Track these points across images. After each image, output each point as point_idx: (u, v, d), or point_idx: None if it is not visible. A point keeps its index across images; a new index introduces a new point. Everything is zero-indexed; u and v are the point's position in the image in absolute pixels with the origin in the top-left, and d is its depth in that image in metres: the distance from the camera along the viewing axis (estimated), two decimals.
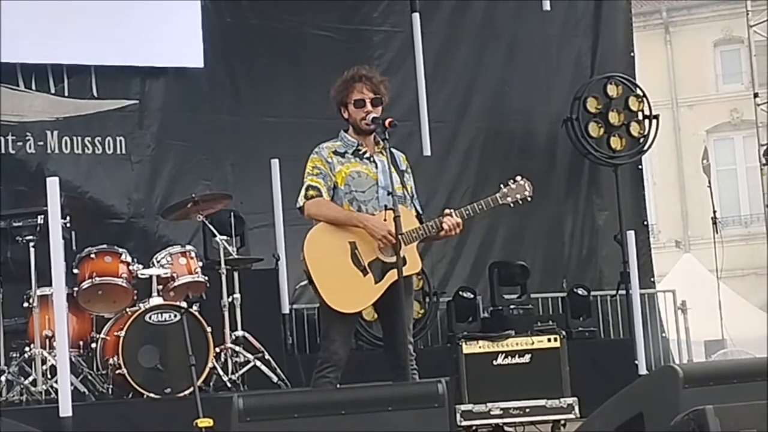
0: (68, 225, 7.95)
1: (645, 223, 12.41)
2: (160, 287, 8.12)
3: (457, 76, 11.70)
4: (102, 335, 7.98)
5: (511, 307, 10.39)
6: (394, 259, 5.93)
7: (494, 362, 8.83)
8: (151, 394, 7.65)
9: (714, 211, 13.68)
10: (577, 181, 12.03)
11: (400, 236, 5.91)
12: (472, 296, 10.42)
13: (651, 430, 5.41)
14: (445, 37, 11.66)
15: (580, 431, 6.03)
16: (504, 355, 8.84)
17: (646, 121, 11.74)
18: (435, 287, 10.88)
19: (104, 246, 8.25)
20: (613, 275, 11.42)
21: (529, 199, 6.40)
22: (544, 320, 9.80)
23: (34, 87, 9.93)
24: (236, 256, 8.74)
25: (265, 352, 8.45)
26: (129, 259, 8.19)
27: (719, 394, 5.36)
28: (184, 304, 7.90)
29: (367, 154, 6.26)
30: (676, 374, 5.47)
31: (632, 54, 12.53)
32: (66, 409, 6.69)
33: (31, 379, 7.73)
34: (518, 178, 6.40)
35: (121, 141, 10.24)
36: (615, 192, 11.53)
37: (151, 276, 8.11)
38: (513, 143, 11.76)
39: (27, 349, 7.88)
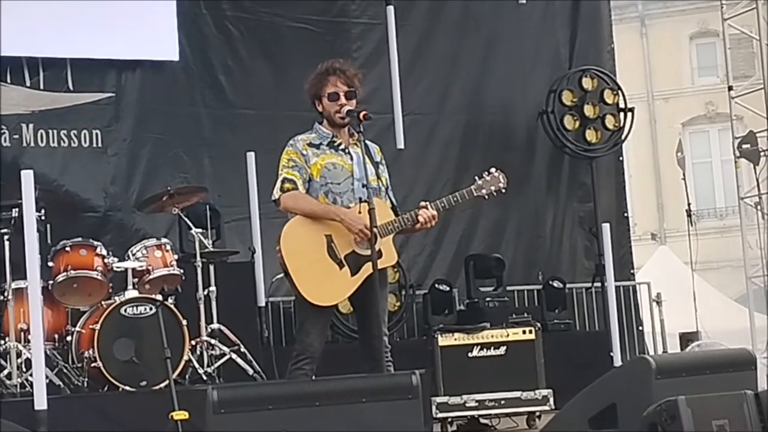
0: (43, 218, 7.92)
1: (625, 214, 12.45)
2: (136, 280, 8.10)
3: (436, 69, 11.69)
4: (77, 328, 7.96)
5: (487, 299, 10.41)
6: (369, 252, 5.95)
7: (469, 354, 8.86)
8: (127, 387, 7.63)
9: (689, 204, 13.74)
10: (557, 173, 12.05)
11: (375, 229, 5.93)
12: (448, 289, 10.44)
13: (624, 421, 5.45)
14: (424, 29, 11.66)
15: (553, 423, 6.07)
16: (479, 347, 8.87)
17: (622, 114, 11.78)
18: (414, 280, 10.89)
19: (79, 239, 8.22)
20: (593, 268, 11.47)
21: (503, 190, 6.42)
22: (520, 312, 9.82)
23: (9, 80, 9.87)
24: (212, 249, 8.73)
25: (241, 345, 8.45)
26: (104, 252, 8.17)
27: (691, 385, 5.41)
28: (159, 297, 7.91)
29: (343, 146, 6.28)
30: (649, 365, 5.52)
31: (612, 46, 12.55)
32: (41, 402, 6.66)
33: (6, 372, 7.71)
34: (492, 170, 6.42)
35: (97, 134, 10.20)
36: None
37: (126, 269, 8.09)
38: (492, 136, 11.77)
39: (2, 342, 7.84)
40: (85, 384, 7.82)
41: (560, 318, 10.75)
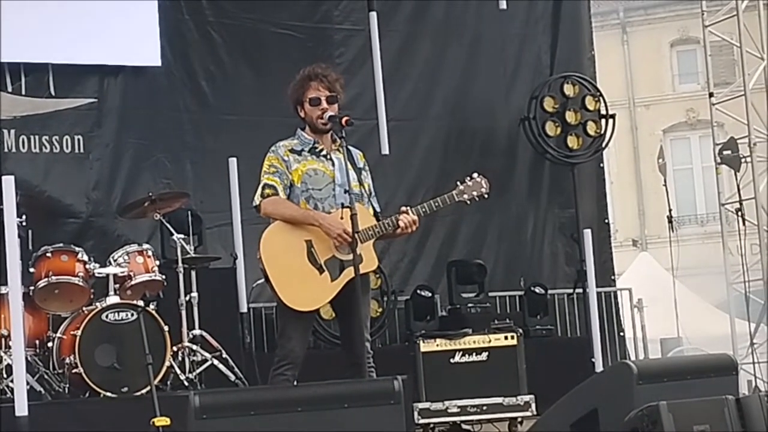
0: (24, 224, 7.90)
1: (606, 221, 12.48)
2: (117, 286, 8.09)
3: (418, 75, 11.70)
4: (58, 334, 7.93)
5: (469, 305, 10.41)
6: (350, 256, 5.96)
7: (451, 360, 8.88)
8: (108, 393, 7.61)
9: (670, 210, 13.77)
10: (538, 179, 12.07)
11: (356, 234, 5.93)
12: (430, 295, 10.44)
13: (605, 426, 5.46)
14: (406, 35, 11.67)
15: (535, 428, 6.08)
16: (461, 353, 8.89)
17: (603, 121, 11.81)
18: (396, 286, 10.89)
19: (61, 245, 8.20)
20: (574, 274, 11.50)
21: (485, 196, 6.43)
22: (502, 318, 9.83)
23: None
24: (194, 255, 8.72)
25: (223, 351, 8.44)
26: (86, 257, 8.15)
27: (673, 390, 5.43)
28: (141, 303, 7.89)
29: (324, 152, 6.28)
30: (631, 371, 5.54)
31: (592, 53, 12.60)
32: (22, 408, 6.65)
33: None
34: (474, 175, 6.44)
35: (79, 140, 10.18)
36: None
37: (107, 275, 8.07)
38: (474, 142, 11.79)
39: None
40: (67, 390, 7.80)
41: (542, 324, 10.76)
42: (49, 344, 7.97)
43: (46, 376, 7.88)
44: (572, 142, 11.67)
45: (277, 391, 5.35)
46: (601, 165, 12.47)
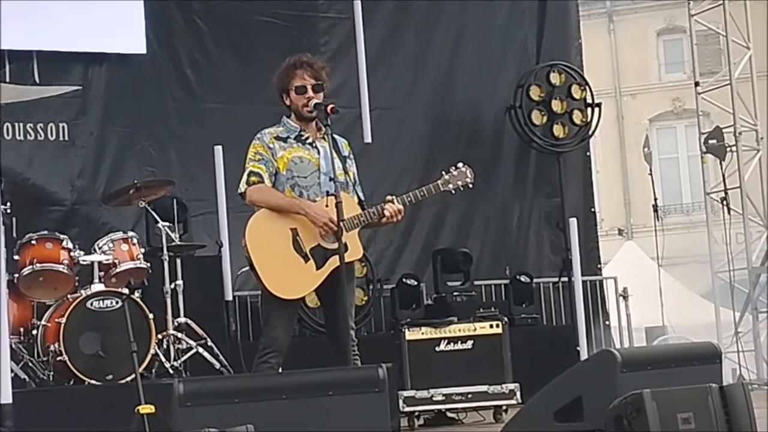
0: (9, 211, 7.90)
1: (592, 210, 12.50)
2: (102, 274, 8.08)
3: (404, 63, 11.69)
4: (43, 322, 7.93)
5: (455, 294, 10.41)
6: (335, 245, 5.97)
7: (437, 348, 8.88)
8: (93, 381, 7.61)
9: (655, 199, 13.78)
10: (523, 168, 12.08)
11: (341, 222, 5.93)
12: (415, 283, 10.44)
13: (589, 414, 5.47)
14: (392, 24, 11.66)
15: (519, 416, 6.08)
16: (446, 341, 8.90)
17: (589, 109, 11.81)
18: (383, 274, 10.90)
19: (45, 232, 8.19)
20: (560, 262, 11.51)
21: (470, 185, 6.44)
22: (487, 307, 9.84)
23: None
24: (179, 243, 8.71)
25: (208, 339, 8.44)
26: (70, 245, 8.13)
27: (656, 378, 5.43)
28: (125, 291, 7.87)
29: (310, 140, 6.28)
30: (615, 359, 5.54)
31: (579, 42, 12.60)
32: (6, 396, 6.65)
33: None
34: (459, 164, 6.44)
35: (63, 127, 10.16)
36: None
37: (92, 262, 8.06)
38: (460, 131, 11.78)
39: None
40: (51, 378, 7.79)
41: (527, 312, 10.78)
42: (34, 332, 7.96)
43: (30, 364, 7.88)
44: (558, 130, 11.67)
45: (261, 379, 5.35)
46: (587, 154, 12.49)
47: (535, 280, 11.08)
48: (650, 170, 14.08)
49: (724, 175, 12.58)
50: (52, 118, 10.11)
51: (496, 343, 8.94)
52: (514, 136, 11.84)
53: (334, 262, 6.01)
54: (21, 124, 9.98)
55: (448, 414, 9.00)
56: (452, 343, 8.89)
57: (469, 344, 8.91)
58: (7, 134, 9.90)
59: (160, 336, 8.12)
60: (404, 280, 10.46)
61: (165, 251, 8.50)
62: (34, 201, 9.35)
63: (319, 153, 6.24)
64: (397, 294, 10.40)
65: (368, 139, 10.68)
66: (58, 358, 7.66)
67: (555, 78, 11.69)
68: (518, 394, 8.82)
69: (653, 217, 13.59)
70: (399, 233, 11.20)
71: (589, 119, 11.83)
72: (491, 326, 8.98)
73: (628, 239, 24.81)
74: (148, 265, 8.39)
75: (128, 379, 7.40)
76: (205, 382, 5.19)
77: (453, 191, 6.41)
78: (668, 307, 14.10)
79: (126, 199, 8.59)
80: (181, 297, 8.55)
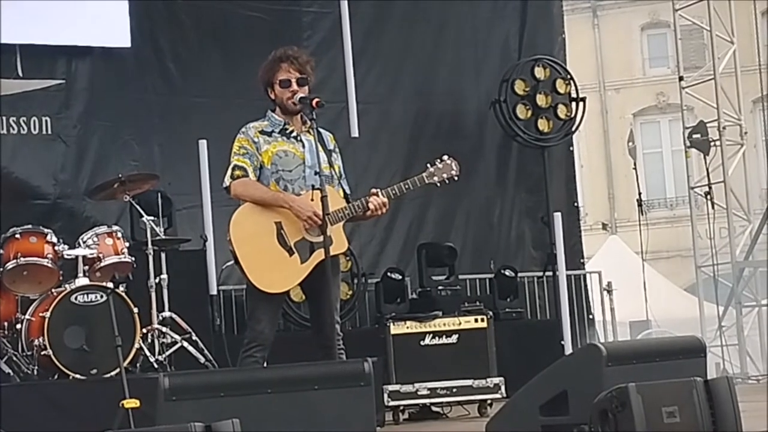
0: None
1: (575, 204, 12.52)
2: (87, 268, 8.06)
3: (387, 57, 11.70)
4: (27, 316, 7.90)
5: (439, 288, 10.43)
6: (320, 238, 5.96)
7: (422, 343, 8.89)
8: (77, 375, 7.59)
9: (639, 194, 13.82)
10: (506, 162, 12.10)
11: (326, 216, 5.93)
12: (400, 277, 10.45)
13: (574, 408, 5.48)
14: (375, 18, 11.67)
15: (504, 410, 6.09)
16: (431, 335, 8.90)
17: (573, 104, 11.83)
18: (365, 268, 10.90)
19: (29, 226, 8.15)
20: (543, 257, 11.53)
21: (455, 178, 6.43)
22: (472, 301, 9.85)
23: None
24: (163, 237, 8.70)
25: (193, 333, 8.43)
26: (55, 239, 8.11)
27: (641, 372, 5.44)
28: (110, 285, 7.87)
29: (295, 133, 6.27)
30: (600, 353, 5.56)
31: (563, 36, 12.61)
32: None
33: None
34: (445, 157, 6.44)
35: (47, 121, 10.14)
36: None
37: (77, 256, 8.04)
38: (443, 125, 11.80)
39: None
40: (35, 372, 7.77)
41: (512, 306, 10.79)
42: (18, 326, 7.93)
43: (14, 358, 7.85)
44: (543, 125, 11.69)
45: (246, 373, 5.34)
46: (571, 148, 12.52)
47: (519, 275, 11.10)
48: (634, 165, 14.12)
49: (708, 170, 12.62)
50: (36, 112, 10.08)
51: (480, 337, 8.95)
52: (496, 131, 11.85)
53: (318, 255, 6.00)
54: (4, 118, 9.95)
55: (433, 408, 9.01)
56: (437, 338, 8.90)
57: (453, 338, 8.91)
58: None
59: (144, 330, 8.11)
60: (389, 274, 10.47)
61: (150, 245, 8.48)
62: (18, 195, 9.33)
63: (304, 147, 6.23)
64: (381, 288, 10.41)
65: (355, 133, 10.69)
66: (43, 353, 7.64)
67: (540, 72, 11.70)
68: (503, 388, 8.83)
69: (637, 212, 13.62)
70: (382, 227, 11.20)
71: (573, 114, 11.84)
72: (476, 320, 8.99)
73: (612, 234, 24.85)
74: (133, 259, 8.37)
75: (113, 373, 7.38)
76: (190, 377, 5.18)
77: (438, 184, 6.41)
78: (652, 302, 14.17)
79: (110, 193, 8.57)
80: (165, 291, 8.54)
